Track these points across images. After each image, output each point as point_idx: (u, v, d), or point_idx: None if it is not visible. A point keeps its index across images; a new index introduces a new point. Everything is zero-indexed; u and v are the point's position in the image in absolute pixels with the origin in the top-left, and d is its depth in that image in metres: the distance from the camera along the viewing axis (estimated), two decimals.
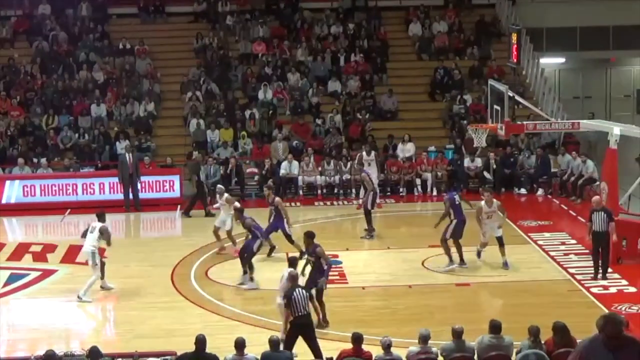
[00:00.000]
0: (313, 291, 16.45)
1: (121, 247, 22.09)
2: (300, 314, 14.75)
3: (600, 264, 19.15)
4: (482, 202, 19.96)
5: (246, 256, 19.28)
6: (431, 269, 20.07)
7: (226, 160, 28.00)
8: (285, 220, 21.13)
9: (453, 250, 20.06)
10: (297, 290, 14.92)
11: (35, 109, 30.67)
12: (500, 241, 19.97)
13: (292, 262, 16.10)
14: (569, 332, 13.15)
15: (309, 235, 17.45)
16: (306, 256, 17.57)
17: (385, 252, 21.71)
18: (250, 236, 19.53)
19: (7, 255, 22.03)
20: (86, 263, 19.02)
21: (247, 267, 19.28)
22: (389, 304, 17.97)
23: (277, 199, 21.68)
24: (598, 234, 19.02)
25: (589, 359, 7.68)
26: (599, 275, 19.06)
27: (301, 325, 14.73)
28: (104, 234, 18.85)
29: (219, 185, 22.62)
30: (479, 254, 20.31)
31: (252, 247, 19.33)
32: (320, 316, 16.73)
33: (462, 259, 20.06)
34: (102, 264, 19.02)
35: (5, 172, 27.95)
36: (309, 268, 17.33)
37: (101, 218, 19.26)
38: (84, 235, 19.19)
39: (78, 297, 18.50)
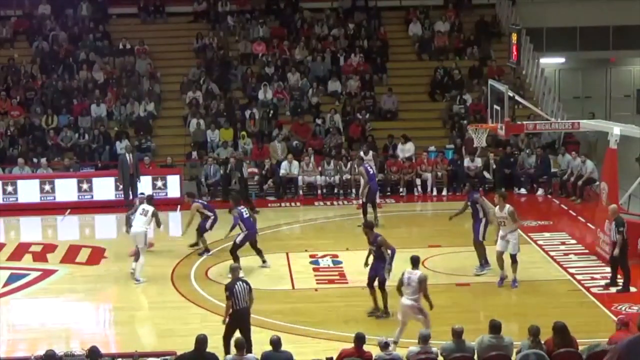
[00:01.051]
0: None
1: (121, 247, 22.09)
2: (241, 306, 14.92)
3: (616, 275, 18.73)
4: (497, 207, 19.22)
5: (231, 249, 19.76)
6: (431, 269, 20.06)
7: (226, 160, 28.00)
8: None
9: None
10: (238, 283, 15.08)
11: (35, 109, 30.67)
12: (513, 258, 18.89)
13: (415, 262, 15.84)
14: (569, 332, 13.16)
15: (368, 226, 17.64)
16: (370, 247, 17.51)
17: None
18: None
19: (7, 255, 22.02)
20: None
21: (233, 259, 19.47)
22: (389, 304, 17.96)
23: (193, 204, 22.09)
24: (614, 244, 18.67)
25: (628, 358, 7.44)
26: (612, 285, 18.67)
27: (240, 317, 14.92)
28: (156, 217, 20.05)
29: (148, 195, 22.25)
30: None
31: (235, 240, 19.84)
32: (382, 306, 17.14)
33: (486, 260, 19.75)
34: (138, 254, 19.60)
35: (5, 172, 27.95)
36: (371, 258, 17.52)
37: (151, 201, 20.45)
38: (129, 219, 20.12)
39: (135, 280, 19.48)
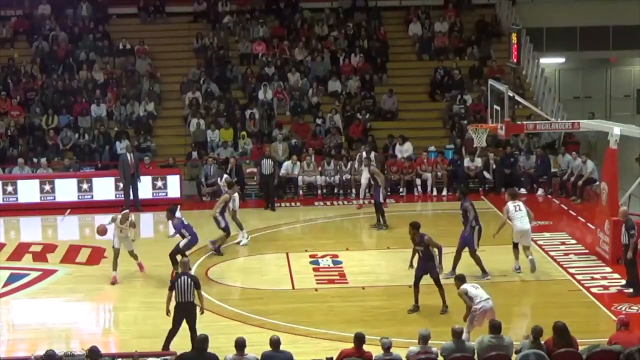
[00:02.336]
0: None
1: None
2: (183, 300, 15.34)
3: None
4: None
5: (172, 252, 19.65)
6: None
7: (226, 160, 28.00)
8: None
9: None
10: (182, 277, 15.46)
11: (35, 109, 30.67)
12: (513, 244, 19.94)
13: (463, 279, 16.03)
14: (569, 332, 13.18)
15: (415, 226, 17.62)
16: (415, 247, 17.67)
17: (385, 252, 21.72)
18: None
19: (7, 255, 22.03)
20: None
21: (172, 263, 19.53)
22: (389, 304, 17.99)
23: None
24: (625, 247, 18.47)
25: None
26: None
27: (183, 311, 15.33)
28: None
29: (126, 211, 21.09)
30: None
31: (178, 244, 19.75)
32: (442, 301, 17.43)
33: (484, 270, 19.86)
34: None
35: (5, 172, 27.95)
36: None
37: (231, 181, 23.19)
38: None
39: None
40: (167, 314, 15.46)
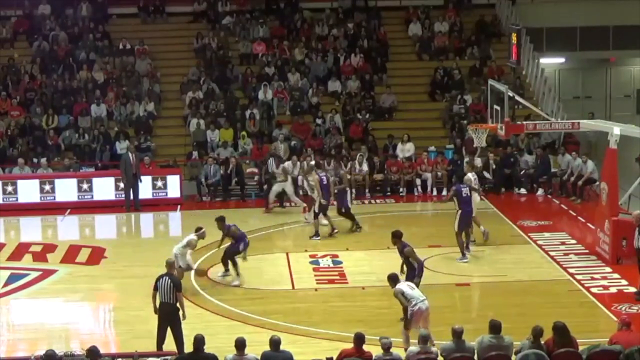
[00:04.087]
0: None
1: (121, 247, 22.08)
2: (164, 301, 15.30)
3: None
4: None
5: (228, 254, 19.45)
6: (431, 269, 20.05)
7: (226, 160, 28.00)
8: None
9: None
10: (163, 278, 15.38)
11: (35, 109, 30.66)
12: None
13: (394, 279, 15.72)
14: (569, 332, 13.18)
15: (396, 235, 17.43)
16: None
17: (385, 252, 21.63)
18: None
19: (7, 255, 22.03)
20: None
21: (231, 264, 19.39)
22: (389, 304, 17.92)
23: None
24: (638, 251, 18.35)
25: None
26: None
27: (165, 312, 15.27)
28: None
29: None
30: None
31: (237, 247, 19.41)
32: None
33: (463, 252, 20.53)
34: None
35: (5, 172, 27.95)
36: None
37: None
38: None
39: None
40: (155, 313, 15.43)
